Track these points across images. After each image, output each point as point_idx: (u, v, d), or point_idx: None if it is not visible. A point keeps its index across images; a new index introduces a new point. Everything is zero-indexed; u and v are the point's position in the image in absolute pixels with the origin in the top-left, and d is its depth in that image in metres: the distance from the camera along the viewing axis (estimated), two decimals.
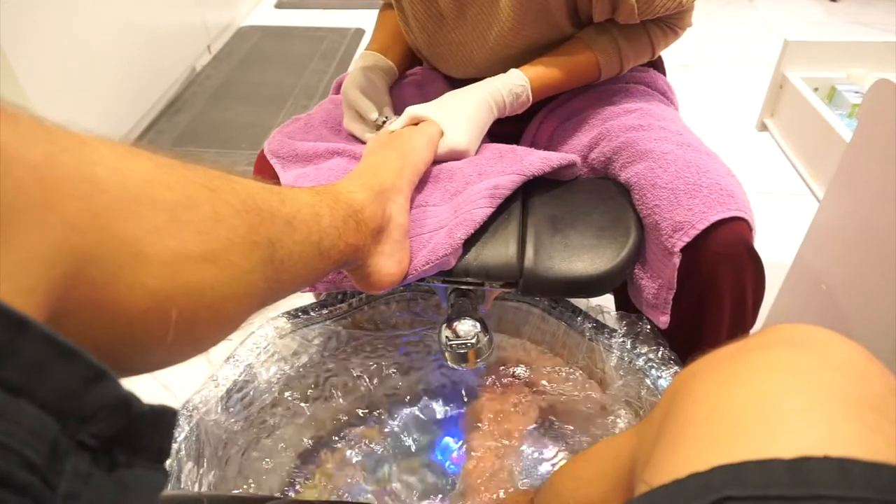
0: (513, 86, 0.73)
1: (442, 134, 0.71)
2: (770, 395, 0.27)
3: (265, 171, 0.77)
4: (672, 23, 0.75)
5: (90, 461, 0.21)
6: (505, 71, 0.75)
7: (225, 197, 0.34)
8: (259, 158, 0.79)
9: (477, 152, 0.74)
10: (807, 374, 0.27)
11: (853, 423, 0.25)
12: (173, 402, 0.63)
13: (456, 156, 0.72)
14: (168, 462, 0.59)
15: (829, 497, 0.22)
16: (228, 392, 0.67)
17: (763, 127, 1.36)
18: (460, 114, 0.72)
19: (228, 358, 0.69)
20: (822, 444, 0.24)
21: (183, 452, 0.60)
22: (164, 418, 0.25)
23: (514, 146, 0.74)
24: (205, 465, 0.62)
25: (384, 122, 0.77)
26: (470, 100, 0.72)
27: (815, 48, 1.32)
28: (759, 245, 0.64)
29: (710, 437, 0.27)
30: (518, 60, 0.75)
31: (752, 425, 0.26)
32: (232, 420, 0.67)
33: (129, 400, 0.23)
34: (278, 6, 2.80)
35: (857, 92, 1.37)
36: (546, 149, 0.79)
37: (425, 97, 0.80)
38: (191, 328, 0.32)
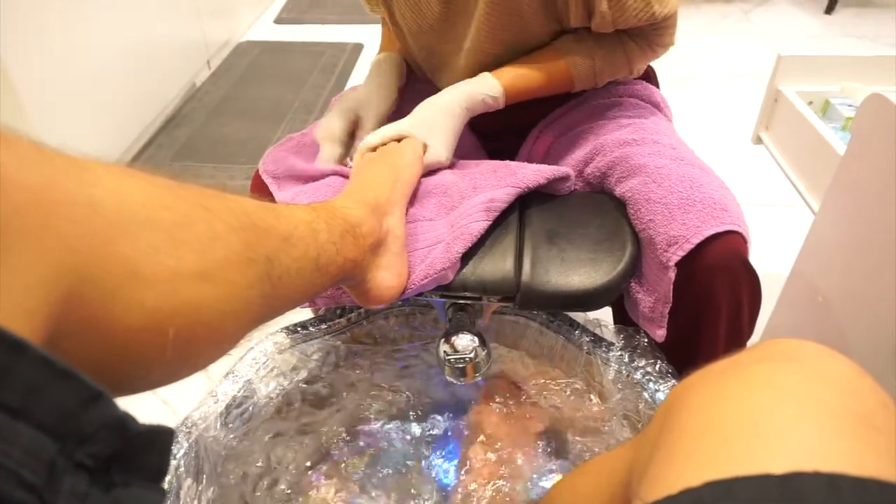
0: (485, 87, 0.74)
1: (426, 147, 0.72)
2: (762, 410, 0.27)
3: (262, 190, 0.78)
4: (651, 38, 0.76)
5: (88, 481, 0.22)
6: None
7: (221, 215, 0.35)
8: (255, 177, 0.80)
9: (472, 168, 0.75)
10: (798, 389, 0.28)
11: (843, 439, 0.25)
12: (172, 418, 0.64)
13: (436, 167, 0.74)
14: (168, 479, 0.59)
15: None
16: (228, 408, 0.67)
17: (758, 140, 1.37)
18: (437, 126, 0.73)
19: (227, 374, 0.69)
20: (813, 459, 0.24)
21: (182, 469, 0.60)
22: (160, 438, 0.26)
23: (508, 161, 0.75)
24: (204, 481, 0.62)
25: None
26: (444, 109, 0.73)
27: (808, 62, 1.34)
28: (755, 257, 0.64)
29: (702, 451, 0.27)
30: (495, 68, 0.77)
31: (744, 440, 0.27)
32: (231, 436, 0.67)
33: (126, 420, 0.23)
34: (277, 21, 2.82)
35: (850, 105, 1.38)
36: (542, 164, 0.80)
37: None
38: (189, 346, 0.32)
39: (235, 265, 0.35)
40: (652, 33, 0.75)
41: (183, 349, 0.32)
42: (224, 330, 0.34)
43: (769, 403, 0.28)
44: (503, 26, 0.74)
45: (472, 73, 0.78)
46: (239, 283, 0.35)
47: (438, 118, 0.73)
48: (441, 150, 0.73)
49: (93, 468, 0.22)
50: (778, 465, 0.25)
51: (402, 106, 0.85)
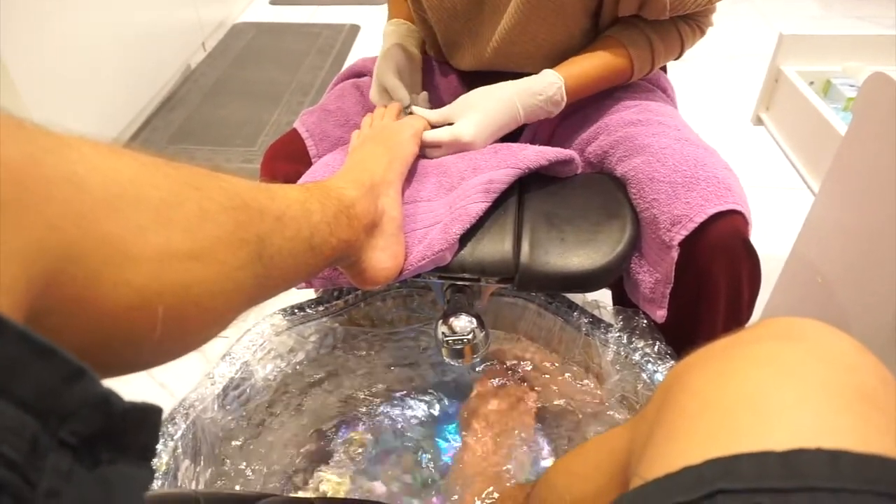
0: (547, 86, 0.71)
1: (427, 127, 0.71)
2: (763, 389, 0.27)
3: (273, 172, 0.77)
4: (700, 20, 0.74)
5: (72, 458, 0.21)
6: (511, 65, 0.74)
7: (211, 194, 0.34)
8: (266, 158, 0.79)
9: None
10: (799, 367, 0.27)
11: (845, 416, 0.25)
12: (170, 401, 0.63)
13: (459, 147, 0.72)
14: (165, 460, 0.59)
15: (821, 489, 0.22)
16: (225, 390, 0.67)
17: (758, 121, 1.36)
18: (477, 107, 0.71)
19: (224, 355, 0.69)
20: (815, 436, 0.24)
21: (180, 450, 0.60)
22: (147, 416, 0.25)
23: (510, 143, 0.74)
24: (202, 462, 0.62)
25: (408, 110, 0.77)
26: (493, 97, 0.71)
27: (810, 42, 1.33)
28: (755, 238, 0.64)
29: (703, 430, 0.27)
30: (525, 56, 0.74)
31: (745, 418, 0.26)
32: (229, 418, 0.67)
33: (110, 397, 0.23)
34: (273, 2, 2.79)
35: (852, 86, 1.37)
36: (547, 144, 0.79)
37: (437, 90, 0.79)
38: (179, 325, 0.32)
39: (226, 244, 0.34)
40: (700, 14, 0.74)
41: (173, 329, 0.32)
42: (215, 309, 0.34)
43: (771, 381, 0.27)
44: (540, 18, 0.71)
45: (499, 61, 0.75)
46: (230, 263, 0.34)
47: (482, 101, 0.71)
48: (468, 129, 0.70)
49: (77, 446, 0.22)
50: (780, 442, 0.24)
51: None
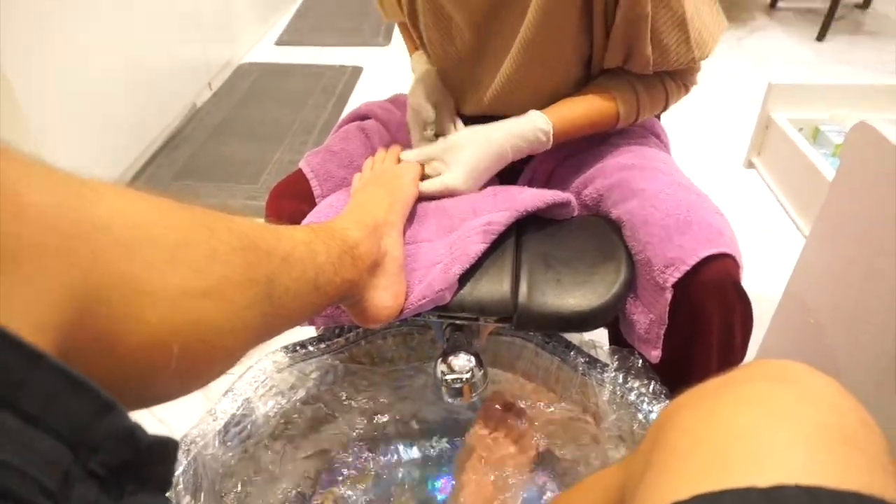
0: (534, 128, 0.74)
1: (420, 171, 0.74)
2: (751, 428, 0.29)
3: (279, 213, 0.79)
4: (685, 77, 0.78)
5: (98, 489, 0.23)
6: (509, 112, 0.77)
7: (222, 236, 0.36)
8: (272, 197, 0.81)
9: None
10: (784, 408, 0.29)
11: (827, 455, 0.26)
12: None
13: (449, 193, 0.75)
14: (168, 493, 0.59)
15: None
16: (226, 426, 0.67)
17: (750, 165, 1.40)
18: (466, 151, 0.74)
19: (227, 392, 0.70)
20: (797, 473, 0.26)
21: (181, 486, 0.60)
22: (167, 448, 0.27)
23: (509, 186, 0.77)
24: (202, 499, 0.63)
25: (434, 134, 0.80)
26: (482, 139, 0.74)
27: (798, 90, 1.37)
28: (749, 280, 0.66)
29: (694, 467, 0.28)
30: (522, 104, 0.77)
31: (733, 456, 0.28)
32: (229, 454, 0.68)
33: (136, 431, 0.24)
34: (279, 43, 2.86)
35: (839, 132, 1.41)
36: (545, 188, 0.81)
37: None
38: (191, 362, 0.33)
39: (236, 284, 0.36)
40: (685, 73, 0.77)
41: (185, 365, 0.33)
42: (224, 347, 0.36)
43: (758, 421, 0.29)
44: (538, 67, 0.75)
45: (499, 106, 0.79)
46: (239, 302, 0.36)
47: (471, 147, 0.74)
48: (457, 178, 0.73)
49: (103, 477, 0.23)
50: (765, 479, 0.26)
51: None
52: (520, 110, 0.76)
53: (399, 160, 0.78)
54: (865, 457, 0.27)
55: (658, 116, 0.92)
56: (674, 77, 0.77)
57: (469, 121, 0.80)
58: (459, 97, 0.85)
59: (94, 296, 0.27)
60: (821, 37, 2.76)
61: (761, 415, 0.29)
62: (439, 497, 0.76)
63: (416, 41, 0.87)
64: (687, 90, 0.80)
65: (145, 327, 0.30)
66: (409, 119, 0.83)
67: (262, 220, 0.48)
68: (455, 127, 0.80)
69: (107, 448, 0.23)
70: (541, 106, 0.76)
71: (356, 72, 2.54)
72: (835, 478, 0.25)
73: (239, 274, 0.37)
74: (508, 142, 0.74)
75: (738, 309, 0.65)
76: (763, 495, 0.25)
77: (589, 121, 0.76)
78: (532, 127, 0.74)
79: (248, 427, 0.70)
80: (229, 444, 0.67)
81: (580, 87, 0.79)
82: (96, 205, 0.29)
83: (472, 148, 0.74)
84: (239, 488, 0.69)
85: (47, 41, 1.49)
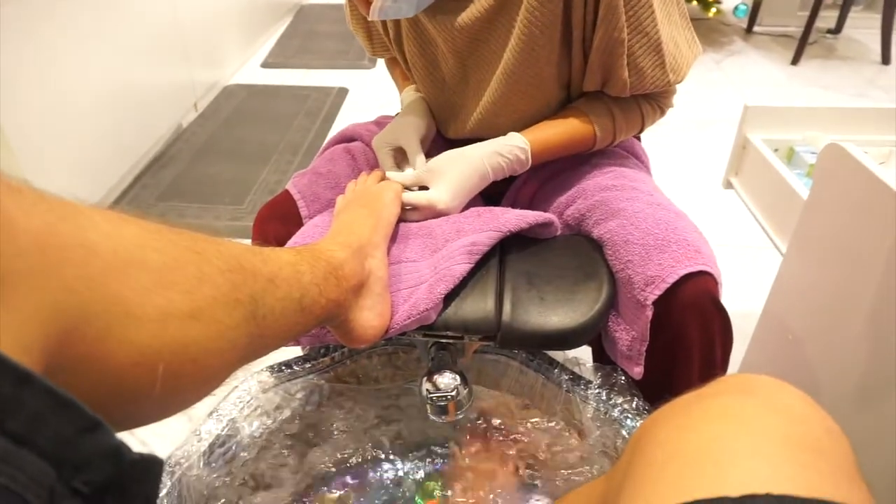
0: (513, 147, 0.76)
1: (402, 189, 0.75)
2: (721, 440, 0.30)
3: (265, 235, 0.80)
4: (660, 100, 0.80)
5: None
6: (492, 135, 0.78)
7: (209, 258, 0.37)
8: (258, 220, 0.82)
9: (457, 212, 0.78)
10: (753, 420, 0.30)
11: (792, 463, 0.28)
12: None
13: (434, 213, 0.76)
14: None
15: None
16: (211, 447, 0.67)
17: (728, 185, 1.43)
18: (449, 172, 0.75)
19: (211, 412, 0.70)
20: (765, 482, 0.27)
21: None
22: (151, 467, 0.27)
23: (493, 207, 0.78)
24: None
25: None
26: (463, 161, 0.76)
27: (773, 112, 1.41)
28: (728, 298, 0.67)
29: (667, 479, 0.29)
30: (504, 127, 0.79)
31: (705, 467, 0.29)
32: (214, 475, 0.67)
33: (121, 449, 0.25)
34: (264, 66, 2.88)
35: (813, 153, 1.45)
36: (528, 208, 0.83)
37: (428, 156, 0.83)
38: (177, 382, 0.34)
39: (223, 305, 0.36)
40: (660, 96, 0.80)
41: (171, 385, 0.33)
42: (210, 367, 0.36)
43: (727, 433, 0.30)
44: (520, 91, 0.77)
45: (482, 131, 0.80)
46: (226, 323, 0.37)
47: (453, 167, 0.75)
48: (442, 196, 0.75)
49: (87, 494, 0.23)
50: (735, 488, 0.27)
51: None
52: (502, 133, 0.78)
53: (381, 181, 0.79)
54: (831, 464, 0.28)
55: (638, 137, 0.94)
56: (649, 100, 0.80)
57: (453, 144, 0.82)
58: (444, 121, 0.87)
59: (81, 317, 0.28)
60: (795, 61, 2.84)
61: (729, 427, 0.30)
62: None
63: (404, 73, 0.89)
64: (662, 112, 0.82)
65: (132, 348, 0.31)
66: (383, 156, 0.83)
67: (247, 242, 0.48)
68: (417, 161, 0.80)
69: (91, 466, 0.23)
70: (522, 128, 0.78)
71: (342, 93, 2.57)
72: (801, 485, 0.26)
73: (226, 295, 0.37)
74: (489, 161, 0.75)
75: (718, 325, 0.67)
76: None
77: (566, 142, 0.78)
78: (510, 146, 0.76)
79: (233, 448, 0.69)
80: (214, 465, 0.67)
81: (560, 109, 0.81)
82: (86, 228, 0.30)
83: (455, 168, 0.75)
84: None
85: (30, 63, 1.49)
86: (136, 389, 0.32)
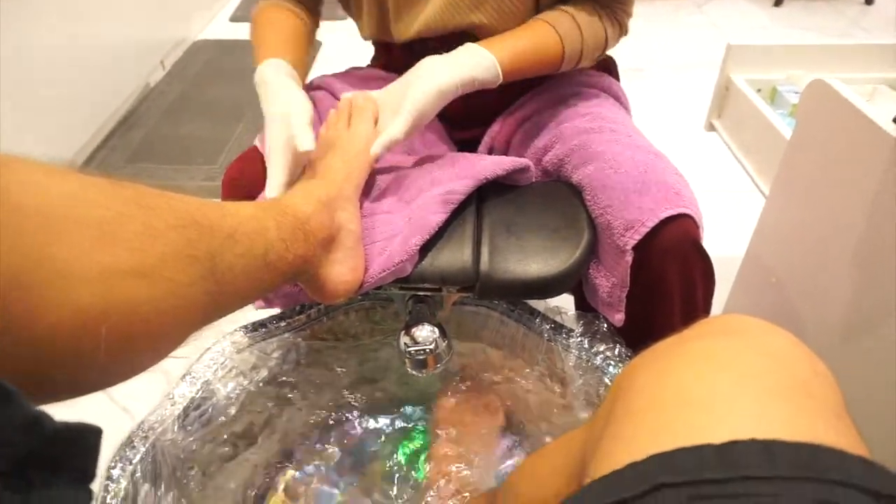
0: (480, 63, 0.68)
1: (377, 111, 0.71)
2: (702, 383, 0.28)
3: (236, 190, 0.76)
4: (616, 9, 0.75)
5: (1, 485, 0.21)
6: (449, 29, 0.73)
7: (160, 213, 0.34)
8: (226, 181, 0.77)
9: (431, 161, 0.74)
10: (736, 361, 0.29)
11: (778, 406, 0.26)
12: (133, 427, 0.62)
13: (392, 145, 0.68)
14: (124, 485, 0.57)
15: (755, 477, 0.23)
16: (185, 410, 0.65)
17: (711, 127, 1.41)
18: (413, 101, 0.66)
19: (185, 375, 0.68)
20: (750, 427, 0.25)
21: (139, 474, 0.58)
22: (83, 437, 0.25)
23: (468, 153, 0.75)
24: (162, 487, 0.61)
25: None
26: (432, 84, 0.66)
27: (756, 52, 1.38)
28: (711, 242, 0.66)
29: (648, 426, 0.28)
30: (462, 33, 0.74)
31: (686, 413, 0.27)
32: (190, 439, 0.66)
33: (40, 419, 0.23)
34: (233, 19, 2.77)
35: (796, 92, 1.43)
36: (504, 154, 0.79)
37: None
38: (127, 344, 0.32)
39: (174, 262, 0.34)
40: (618, 5, 0.75)
41: (121, 348, 0.31)
42: (164, 326, 0.34)
43: (709, 376, 0.28)
44: None
45: (437, 33, 0.74)
46: (179, 281, 0.34)
47: (419, 93, 0.66)
48: (400, 128, 0.66)
49: (5, 471, 0.21)
50: (718, 434, 0.25)
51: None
52: (455, 39, 0.72)
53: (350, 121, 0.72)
54: (818, 404, 0.27)
55: (616, 77, 0.91)
56: (609, 15, 0.75)
57: (402, 49, 0.76)
58: (399, 20, 0.79)
59: (10, 280, 0.26)
60: (778, 2, 2.79)
61: (711, 369, 0.29)
62: (409, 469, 0.76)
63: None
64: (622, 28, 0.77)
65: (71, 310, 0.28)
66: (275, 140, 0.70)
67: (216, 199, 0.46)
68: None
69: (7, 440, 0.21)
70: (483, 36, 0.72)
71: (315, 45, 2.48)
72: (788, 427, 0.25)
73: (178, 251, 0.35)
74: (455, 80, 0.67)
75: (699, 268, 0.65)
76: (717, 452, 0.24)
77: (535, 60, 0.72)
78: (477, 63, 0.68)
79: (209, 410, 0.68)
80: (189, 428, 0.65)
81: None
82: (10, 182, 0.27)
83: (417, 92, 0.67)
84: (202, 474, 0.67)
85: None
86: (79, 354, 0.30)
